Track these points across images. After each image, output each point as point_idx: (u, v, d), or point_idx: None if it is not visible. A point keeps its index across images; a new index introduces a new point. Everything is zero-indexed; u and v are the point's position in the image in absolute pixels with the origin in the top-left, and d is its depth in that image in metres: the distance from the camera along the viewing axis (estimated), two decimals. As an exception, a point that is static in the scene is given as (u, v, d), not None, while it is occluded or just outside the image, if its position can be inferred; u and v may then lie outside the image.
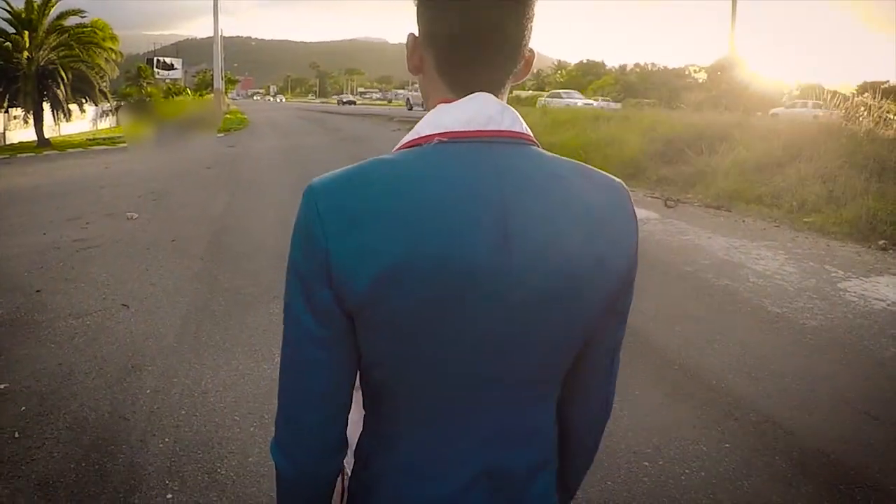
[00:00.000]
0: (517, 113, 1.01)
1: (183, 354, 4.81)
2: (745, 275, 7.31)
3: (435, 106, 1.02)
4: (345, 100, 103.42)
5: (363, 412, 1.09)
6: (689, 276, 7.20)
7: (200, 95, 55.01)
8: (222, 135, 28.32)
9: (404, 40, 1.06)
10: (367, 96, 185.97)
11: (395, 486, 1.05)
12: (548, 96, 43.95)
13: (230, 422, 3.87)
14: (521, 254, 0.93)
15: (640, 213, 10.87)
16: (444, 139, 0.96)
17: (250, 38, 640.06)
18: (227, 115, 38.78)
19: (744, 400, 4.34)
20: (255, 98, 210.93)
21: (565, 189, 0.98)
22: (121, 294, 6.22)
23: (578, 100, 41.63)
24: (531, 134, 1.02)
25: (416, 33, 1.04)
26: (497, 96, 1.00)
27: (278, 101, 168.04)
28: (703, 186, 12.76)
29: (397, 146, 1.01)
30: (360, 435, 1.10)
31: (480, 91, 0.99)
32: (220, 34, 39.08)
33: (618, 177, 1.08)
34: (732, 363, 4.92)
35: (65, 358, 4.75)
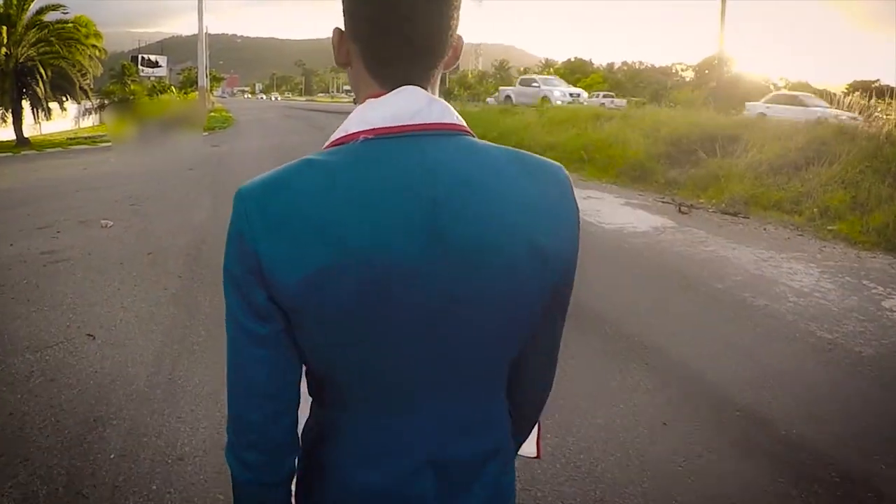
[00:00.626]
0: (446, 103, 0.98)
1: (155, 403, 4.02)
2: (783, 293, 6.65)
3: (364, 101, 0.99)
4: None
5: (310, 399, 1.08)
6: (724, 296, 6.52)
7: (185, 93, 54.22)
8: (206, 134, 27.51)
9: None
10: (353, 94, 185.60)
11: (340, 473, 1.04)
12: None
13: (211, 501, 3.11)
14: (454, 250, 0.92)
15: (655, 220, 10.35)
16: (370, 136, 0.94)
17: (236, 35, 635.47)
18: (212, 114, 37.93)
19: (819, 452, 3.71)
20: (245, 96, 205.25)
21: (500, 179, 0.96)
22: (87, 320, 5.44)
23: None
24: (464, 123, 0.99)
25: (342, 27, 1.01)
26: (426, 87, 0.98)
27: (273, 99, 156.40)
28: (715, 190, 12.07)
29: (326, 144, 0.99)
30: (307, 421, 1.08)
31: (408, 84, 0.97)
32: (205, 31, 38.23)
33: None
34: (796, 404, 4.29)
35: (17, 406, 3.99)
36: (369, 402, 1.01)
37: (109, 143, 21.71)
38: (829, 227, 9.82)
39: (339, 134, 0.98)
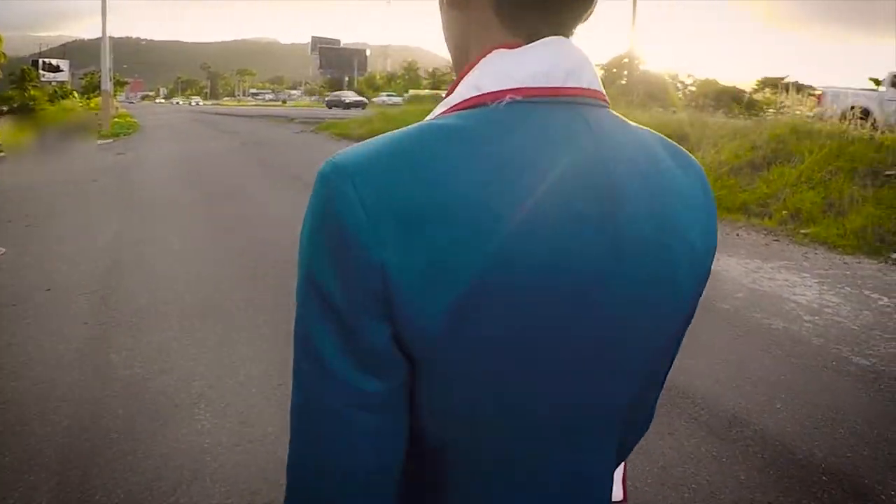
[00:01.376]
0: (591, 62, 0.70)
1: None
2: (794, 311, 5.94)
3: (482, 53, 0.68)
4: (347, 100, 62.61)
5: None
6: (736, 319, 5.69)
7: (88, 99, 51.91)
8: (111, 140, 25.62)
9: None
10: (260, 97, 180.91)
11: None
12: None
13: None
14: (629, 258, 0.66)
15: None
16: (519, 97, 0.65)
17: (140, 39, 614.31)
18: (116, 119, 35.82)
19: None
20: (158, 101, 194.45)
21: (658, 166, 0.71)
22: (-37, 394, 4.06)
23: None
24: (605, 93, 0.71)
25: None
26: None
27: (193, 104, 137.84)
28: (674, 194, 11.38)
29: (446, 107, 0.68)
30: None
31: (551, 35, 0.68)
32: (108, 34, 36.10)
33: None
34: (876, 456, 3.56)
35: None
36: (484, 473, 0.68)
37: (3, 154, 19.71)
38: (804, 231, 9.26)
39: (468, 91, 0.67)
